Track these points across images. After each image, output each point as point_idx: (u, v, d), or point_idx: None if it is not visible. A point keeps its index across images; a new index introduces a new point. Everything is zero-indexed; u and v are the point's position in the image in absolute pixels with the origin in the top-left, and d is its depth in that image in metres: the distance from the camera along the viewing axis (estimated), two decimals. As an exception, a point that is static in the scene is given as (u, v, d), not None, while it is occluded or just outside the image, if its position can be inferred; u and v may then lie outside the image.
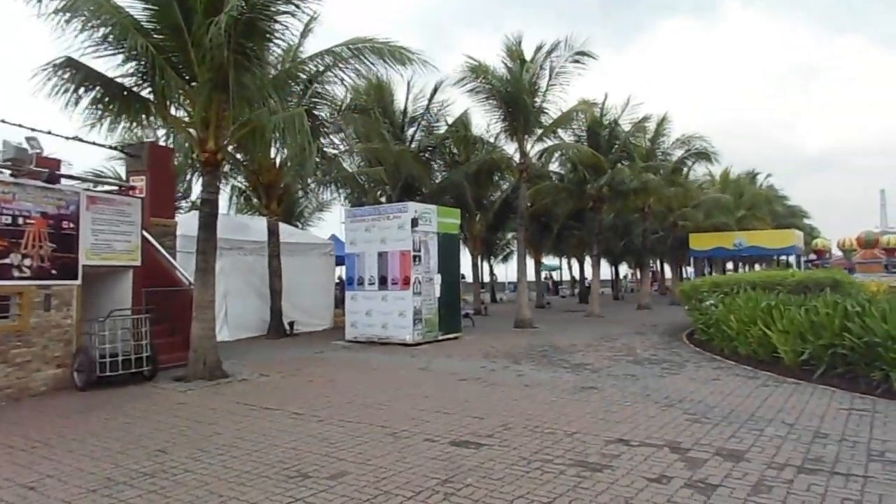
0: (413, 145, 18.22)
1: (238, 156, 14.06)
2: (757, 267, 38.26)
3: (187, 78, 8.19)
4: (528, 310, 15.87)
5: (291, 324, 14.34)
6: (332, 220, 24.25)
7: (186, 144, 9.81)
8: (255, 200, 16.54)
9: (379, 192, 17.59)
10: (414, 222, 12.41)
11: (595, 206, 19.92)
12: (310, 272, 15.79)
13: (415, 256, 12.45)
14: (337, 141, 14.15)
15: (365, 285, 13.02)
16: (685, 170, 23.52)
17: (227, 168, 14.24)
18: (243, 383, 8.14)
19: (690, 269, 32.19)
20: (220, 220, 15.39)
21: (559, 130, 16.79)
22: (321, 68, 10.16)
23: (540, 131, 15.81)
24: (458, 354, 10.87)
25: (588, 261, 34.38)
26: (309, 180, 14.91)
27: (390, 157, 15.44)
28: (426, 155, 18.35)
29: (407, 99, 18.47)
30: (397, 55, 8.58)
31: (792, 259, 27.78)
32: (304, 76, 9.83)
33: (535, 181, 19.11)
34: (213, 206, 8.35)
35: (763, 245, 25.26)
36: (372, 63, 8.55)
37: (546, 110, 15.60)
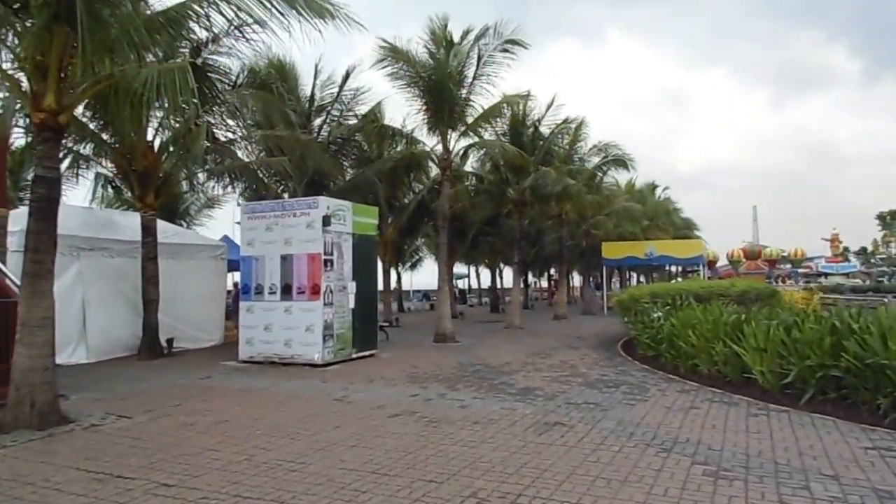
0: (321, 137, 16.18)
1: (104, 136, 11.41)
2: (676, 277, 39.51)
3: (15, 6, 5.86)
4: (449, 322, 14.38)
5: (170, 341, 11.85)
6: (224, 220, 21.49)
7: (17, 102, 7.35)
8: (126, 192, 13.77)
9: (281, 188, 15.39)
10: (326, 220, 10.50)
11: (516, 211, 18.88)
12: (196, 278, 13.33)
13: (326, 261, 10.54)
14: (232, 123, 11.85)
15: (264, 294, 10.89)
16: (599, 177, 23.18)
17: (88, 149, 11.52)
18: (91, 432, 5.91)
19: (615, 280, 32.43)
20: (81, 214, 12.68)
21: (483, 127, 15.50)
22: (216, 29, 8.10)
23: (465, 126, 14.42)
24: (379, 378, 9.10)
25: (501, 269, 33.88)
26: (196, 169, 12.45)
27: (296, 146, 13.37)
28: (335, 147, 16.36)
29: (314, 84, 16.42)
30: (315, 6, 6.74)
31: (701, 268, 28.49)
32: (195, 29, 7.67)
33: (457, 181, 17.73)
34: (50, 187, 6.02)
35: (672, 255, 25.61)
36: (283, 13, 6.63)
37: (472, 102, 14.26)
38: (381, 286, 20.95)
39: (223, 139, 12.44)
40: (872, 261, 49.00)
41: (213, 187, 15.18)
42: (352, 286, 11.15)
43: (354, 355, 11.14)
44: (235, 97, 11.08)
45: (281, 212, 10.93)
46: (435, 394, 7.70)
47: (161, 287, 11.75)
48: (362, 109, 16.08)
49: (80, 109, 9.95)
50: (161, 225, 12.63)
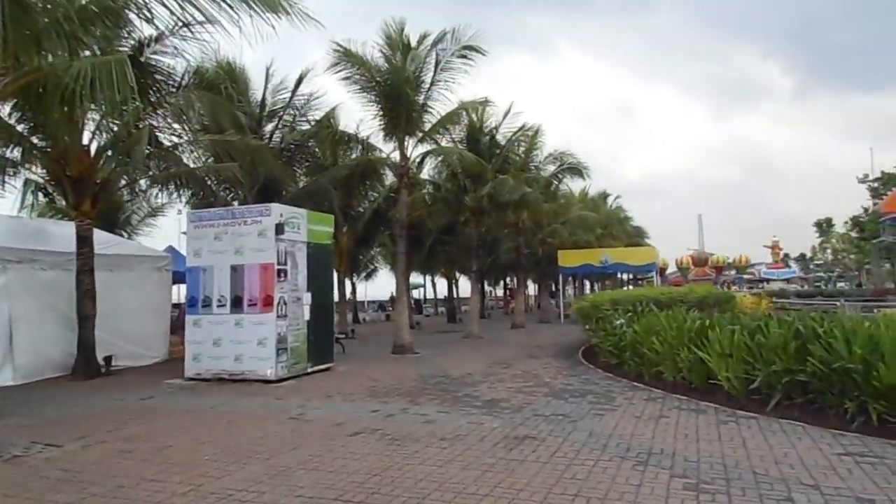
0: (273, 143, 15.61)
1: (34, 139, 10.58)
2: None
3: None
4: (407, 333, 14.01)
5: (108, 359, 11.04)
6: (169, 229, 20.49)
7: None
8: (60, 200, 12.85)
9: (230, 195, 14.72)
10: (279, 228, 10.01)
11: (474, 219, 18.71)
12: (137, 291, 12.53)
13: (279, 271, 10.04)
14: (177, 127, 11.18)
15: (213, 307, 10.28)
16: (555, 185, 23.30)
17: (16, 154, 10.64)
18: (13, 465, 5.28)
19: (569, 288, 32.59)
20: (8, 224, 11.68)
21: (441, 134, 15.29)
22: (158, 23, 7.57)
23: (422, 133, 14.16)
24: (337, 393, 8.66)
25: (457, 278, 33.66)
26: (138, 176, 11.69)
27: (246, 151, 12.80)
28: (288, 154, 15.81)
29: (266, 88, 15.90)
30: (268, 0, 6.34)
31: (653, 275, 29.00)
32: (135, 23, 7.13)
33: (414, 189, 17.41)
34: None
35: (627, 262, 25.97)
36: (232, 6, 6.20)
37: (430, 109, 14.02)
38: (336, 297, 20.41)
39: (167, 144, 11.74)
40: (811, 266, 51.35)
41: (157, 195, 14.37)
42: (307, 297, 10.66)
43: (310, 369, 10.63)
44: (181, 98, 10.44)
45: (230, 220, 10.36)
46: (397, 409, 7.34)
47: (99, 301, 10.95)
48: (316, 115, 15.63)
49: (5, 110, 9.19)
50: (99, 235, 11.81)
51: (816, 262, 51.66)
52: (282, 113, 16.08)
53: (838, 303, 11.59)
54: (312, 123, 15.86)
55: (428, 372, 10.72)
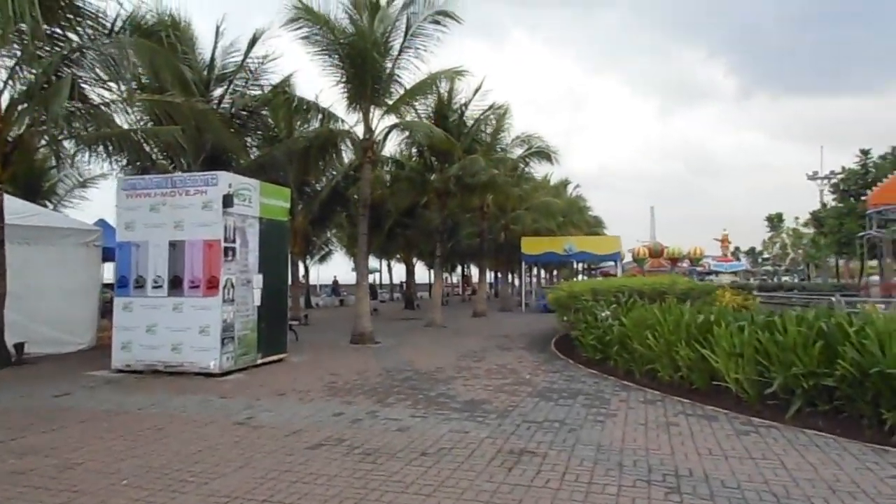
0: (222, 109, 14.10)
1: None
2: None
3: None
4: (368, 321, 12.92)
5: (20, 346, 9.53)
6: (102, 202, 18.58)
7: None
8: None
9: (172, 164, 13.19)
10: (227, 200, 8.73)
11: (438, 201, 17.68)
12: (59, 269, 10.97)
13: (227, 249, 8.78)
14: (107, 79, 9.59)
15: (147, 288, 8.94)
16: (521, 169, 22.46)
17: None
18: None
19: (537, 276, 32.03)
20: None
21: (408, 108, 14.15)
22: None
23: (390, 102, 12.99)
24: (291, 390, 7.54)
25: (414, 264, 32.62)
26: (59, 135, 10.08)
27: (191, 115, 11.33)
28: (239, 122, 14.34)
29: (215, 48, 14.32)
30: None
31: (611, 264, 28.69)
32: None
33: (377, 166, 16.22)
34: None
35: (590, 251, 25.53)
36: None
37: (399, 77, 12.85)
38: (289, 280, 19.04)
39: (96, 100, 10.17)
40: (760, 260, 52.73)
41: (86, 161, 12.68)
42: (258, 280, 9.44)
43: (260, 361, 9.45)
44: (112, 47, 8.92)
45: (170, 188, 8.99)
46: (363, 412, 6.30)
47: (11, 279, 9.44)
48: (272, 79, 14.18)
49: None
50: (13, 203, 10.25)
51: (765, 256, 53.14)
52: (232, 77, 14.54)
53: (833, 298, 11.19)
54: (267, 90, 14.43)
55: (393, 365, 9.70)
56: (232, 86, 14.47)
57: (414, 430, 5.51)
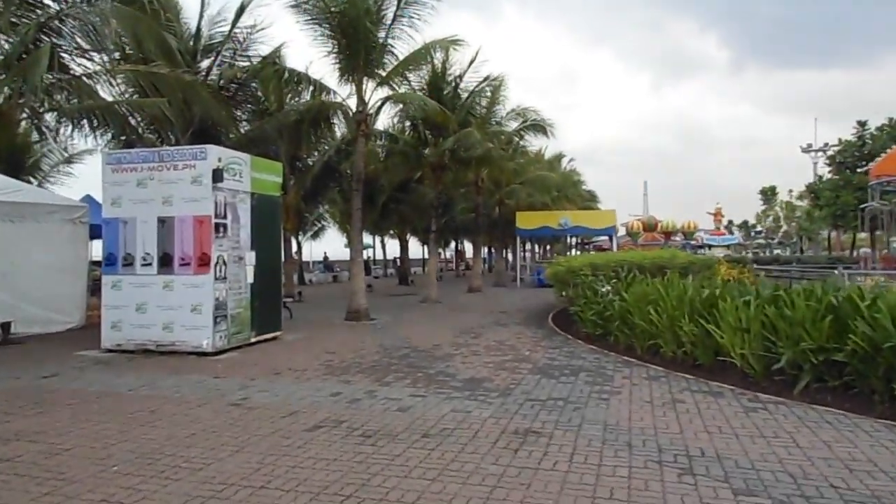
0: (210, 81, 13.67)
1: None
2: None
3: None
4: (363, 297, 12.74)
5: (6, 325, 9.30)
6: (88, 177, 18.12)
7: None
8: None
9: (159, 138, 12.80)
10: (217, 175, 8.44)
11: (433, 175, 17.38)
12: (46, 246, 10.66)
13: (217, 225, 8.52)
14: (88, 48, 9.18)
15: (136, 266, 8.69)
16: (516, 142, 22.12)
17: None
18: None
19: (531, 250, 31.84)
20: None
21: (402, 79, 13.76)
22: None
23: (384, 73, 12.61)
24: (287, 369, 7.37)
25: (408, 239, 32.37)
26: (39, 107, 9.68)
27: (177, 86, 10.95)
28: (228, 94, 13.92)
29: (201, 17, 13.85)
30: None
31: (605, 238, 28.53)
32: None
33: (370, 140, 15.85)
34: None
35: (586, 225, 25.32)
36: None
37: (392, 47, 12.45)
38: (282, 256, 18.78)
39: (77, 71, 9.77)
40: (753, 234, 52.85)
41: (70, 136, 12.26)
42: (250, 256, 9.20)
43: (254, 339, 9.27)
44: (91, 12, 8.50)
45: (157, 163, 8.68)
46: (362, 391, 6.15)
47: (-6, 257, 9.16)
48: (261, 50, 13.75)
49: None
50: (-6, 178, 9.88)
51: (758, 229, 53.25)
52: (220, 48, 14.09)
53: (836, 271, 11.10)
54: (256, 61, 13.99)
55: (390, 342, 9.55)
56: (220, 57, 14.06)
57: (414, 410, 5.36)
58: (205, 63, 14.11)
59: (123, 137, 12.32)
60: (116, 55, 10.68)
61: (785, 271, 13.69)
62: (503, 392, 6.04)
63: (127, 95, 11.57)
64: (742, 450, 4.21)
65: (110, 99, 10.68)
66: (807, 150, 39.53)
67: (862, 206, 15.50)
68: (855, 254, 38.16)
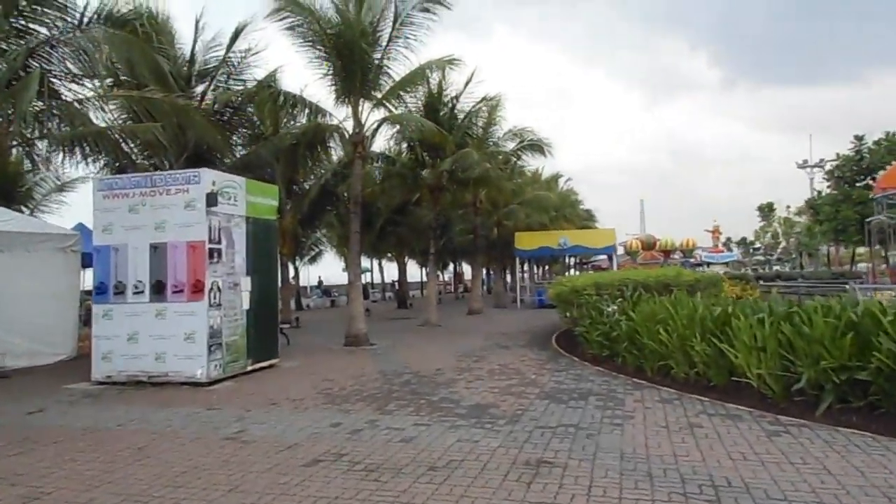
0: (205, 104, 13.56)
1: None
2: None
3: None
4: (362, 322, 12.46)
5: (-6, 359, 8.99)
6: (80, 206, 17.90)
7: None
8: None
9: (152, 164, 12.63)
10: (211, 199, 8.24)
11: (431, 197, 17.23)
12: (36, 276, 10.40)
13: (212, 251, 8.29)
14: (78, 73, 9.04)
15: (127, 294, 8.43)
16: (513, 162, 22.03)
17: None
18: None
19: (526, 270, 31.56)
20: None
21: (399, 101, 13.67)
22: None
23: (380, 95, 12.52)
24: (284, 399, 7.08)
25: (406, 262, 32.15)
26: (29, 133, 9.51)
27: (172, 111, 10.81)
28: (224, 118, 13.81)
29: (195, 42, 13.77)
30: None
31: (604, 258, 28.34)
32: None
33: (366, 162, 15.72)
34: None
35: (585, 244, 25.17)
36: None
37: (388, 68, 12.38)
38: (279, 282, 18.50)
39: (68, 97, 9.62)
40: (751, 250, 52.73)
41: (63, 163, 12.08)
42: (246, 282, 8.96)
43: (250, 368, 8.97)
44: (83, 37, 8.38)
45: (150, 188, 8.48)
46: (363, 421, 5.86)
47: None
48: (257, 74, 13.66)
49: None
50: (-16, 207, 9.66)
51: (756, 245, 53.15)
52: (215, 73, 14.01)
53: (847, 286, 10.88)
54: (251, 85, 13.91)
55: (390, 368, 9.26)
56: (214, 81, 13.95)
57: (419, 441, 5.08)
58: (199, 88, 14.01)
59: (117, 164, 12.15)
60: (109, 81, 10.54)
61: (791, 287, 13.47)
62: (511, 419, 5.76)
63: (120, 121, 11.42)
64: (771, 478, 3.94)
65: (103, 125, 10.53)
66: (803, 165, 39.66)
67: (868, 219, 15.33)
68: (854, 269, 38.03)
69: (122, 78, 11.62)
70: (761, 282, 16.89)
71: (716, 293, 10.45)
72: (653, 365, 7.49)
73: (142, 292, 8.36)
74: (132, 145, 12.37)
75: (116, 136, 11.11)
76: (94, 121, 10.55)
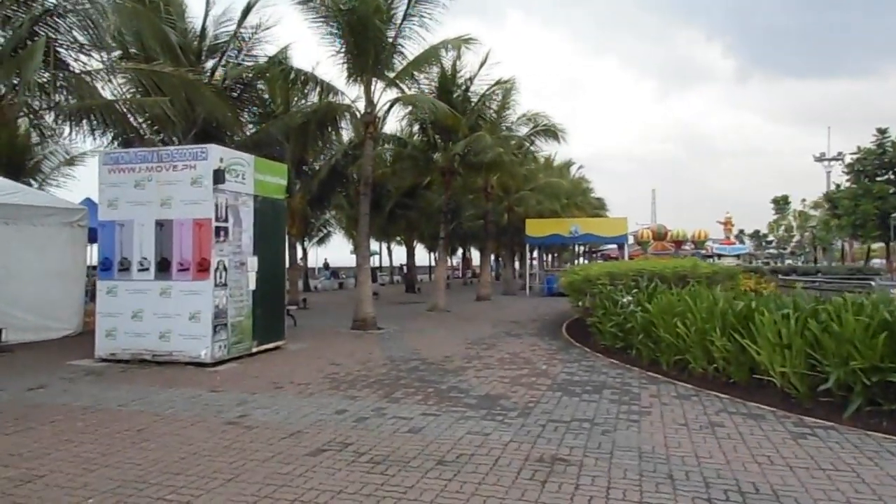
0: (215, 80, 13.31)
1: None
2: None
3: None
4: (370, 305, 12.28)
5: (-3, 333, 8.89)
6: (89, 180, 17.76)
7: None
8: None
9: (160, 139, 12.42)
10: (218, 176, 8.03)
11: (443, 181, 16.94)
12: (41, 250, 10.28)
13: (218, 229, 8.10)
14: (85, 42, 8.81)
15: (132, 271, 8.27)
16: (526, 147, 21.64)
17: None
18: None
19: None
20: None
21: (412, 81, 13.35)
22: None
23: (393, 74, 12.21)
24: (289, 382, 6.91)
25: (414, 246, 31.93)
26: (35, 104, 9.31)
27: (181, 86, 10.57)
28: (234, 95, 13.56)
29: (206, 16, 13.48)
30: None
31: (613, 247, 27.99)
32: None
33: (378, 143, 15.46)
34: None
35: (597, 233, 24.84)
36: None
37: (402, 47, 12.06)
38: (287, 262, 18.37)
39: (76, 67, 9.41)
40: (764, 244, 52.09)
41: (70, 136, 11.87)
42: (252, 262, 8.77)
43: (255, 349, 8.82)
44: (90, 7, 8.13)
45: (156, 163, 8.28)
46: (369, 408, 5.67)
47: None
48: (268, 50, 13.38)
49: None
50: (-10, 179, 9.51)
51: (769, 238, 52.48)
52: (225, 48, 13.74)
53: (873, 282, 10.56)
54: (262, 62, 13.63)
55: (398, 353, 9.08)
56: (224, 57, 13.69)
57: (427, 432, 4.88)
58: (209, 63, 13.76)
59: (125, 138, 11.94)
60: (117, 53, 10.30)
61: (811, 282, 13.13)
62: (522, 411, 5.56)
63: (128, 95, 11.19)
64: (801, 485, 3.72)
65: (109, 97, 10.31)
66: (820, 158, 38.96)
67: (894, 214, 14.88)
68: (868, 265, 37.45)
69: (132, 51, 11.39)
70: (780, 276, 16.52)
71: (732, 286, 10.16)
72: (669, 359, 7.26)
73: (147, 269, 8.20)
74: (140, 120, 12.17)
75: (124, 109, 10.90)
76: (102, 94, 10.33)
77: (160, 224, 8.19)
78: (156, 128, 12.49)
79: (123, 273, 8.28)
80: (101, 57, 9.46)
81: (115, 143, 12.09)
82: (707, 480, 3.80)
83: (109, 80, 10.03)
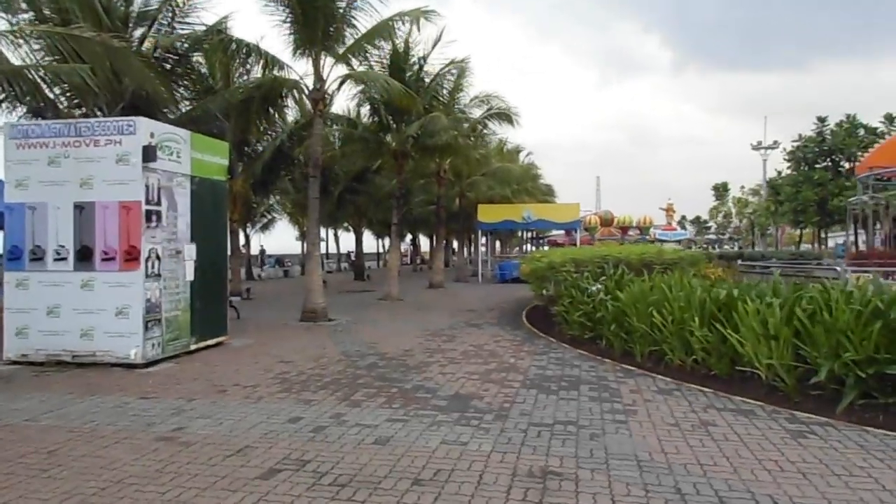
0: (145, 51, 12.08)
1: None
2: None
3: None
4: (320, 295, 11.50)
5: None
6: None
7: None
8: None
9: (82, 114, 11.14)
10: (149, 153, 7.08)
11: (395, 164, 16.22)
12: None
13: (149, 213, 7.17)
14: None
15: (47, 261, 7.25)
16: (480, 130, 21.10)
17: None
18: None
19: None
20: None
21: (363, 57, 12.53)
22: None
23: (342, 50, 11.37)
24: (233, 385, 6.15)
25: (362, 232, 31.02)
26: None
27: (104, 54, 9.39)
28: (167, 67, 12.36)
29: (134, -21, 12.17)
30: None
31: (561, 233, 28.00)
32: None
33: (329, 123, 14.58)
34: None
35: (549, 219, 24.66)
36: None
37: (354, 19, 11.22)
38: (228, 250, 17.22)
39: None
40: (704, 229, 53.77)
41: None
42: (190, 250, 7.88)
43: (194, 346, 7.96)
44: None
45: (74, 137, 7.24)
46: (327, 415, 5.02)
47: None
48: (206, 19, 12.26)
49: None
50: None
51: (708, 224, 54.20)
52: (157, 14, 12.47)
53: (838, 268, 10.59)
54: (199, 31, 12.47)
55: (354, 348, 8.42)
56: (156, 24, 12.42)
57: (396, 443, 4.29)
58: (138, 32, 12.48)
59: (38, 110, 10.63)
60: (28, 14, 9.06)
61: (765, 268, 13.23)
62: (498, 413, 5.04)
63: (40, 59, 9.93)
64: (821, 496, 3.35)
65: (18, 62, 9.07)
66: (757, 147, 40.26)
67: (850, 199, 15.23)
68: (801, 249, 39.18)
69: (45, 12, 10.10)
70: (738, 262, 16.70)
71: (695, 272, 9.98)
72: (643, 350, 6.92)
73: (64, 259, 7.19)
74: (57, 91, 10.88)
75: (37, 77, 9.64)
76: (12, 60, 9.06)
77: (80, 207, 7.19)
78: (76, 100, 11.20)
79: (36, 263, 7.24)
80: (8, 18, 8.24)
81: (29, 116, 10.75)
82: (720, 495, 3.38)
83: (18, 45, 8.79)
